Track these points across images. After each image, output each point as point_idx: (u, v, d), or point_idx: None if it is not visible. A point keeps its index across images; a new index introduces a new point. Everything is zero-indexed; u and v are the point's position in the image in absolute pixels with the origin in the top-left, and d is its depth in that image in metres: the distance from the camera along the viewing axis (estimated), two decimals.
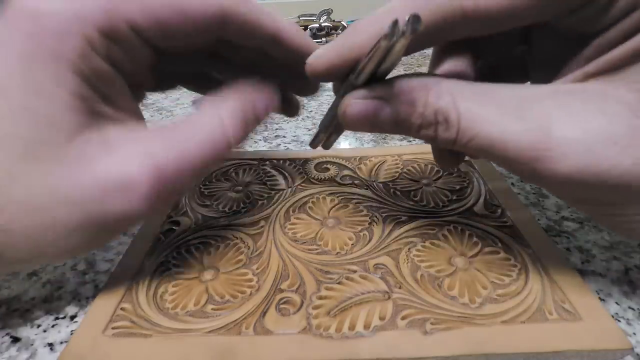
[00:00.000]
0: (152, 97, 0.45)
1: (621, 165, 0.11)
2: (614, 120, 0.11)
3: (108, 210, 0.13)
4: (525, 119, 0.12)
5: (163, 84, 0.19)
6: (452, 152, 0.18)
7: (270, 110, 0.17)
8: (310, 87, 0.20)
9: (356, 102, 0.14)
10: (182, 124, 0.14)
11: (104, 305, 0.16)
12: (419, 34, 0.11)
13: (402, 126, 0.14)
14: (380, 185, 0.24)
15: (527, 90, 0.12)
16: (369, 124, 0.14)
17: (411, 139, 0.33)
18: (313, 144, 0.20)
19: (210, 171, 0.25)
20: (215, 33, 0.15)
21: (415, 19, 0.11)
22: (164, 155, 0.13)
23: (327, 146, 0.21)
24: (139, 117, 0.16)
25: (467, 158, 0.26)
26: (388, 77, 0.14)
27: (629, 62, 0.11)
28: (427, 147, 0.28)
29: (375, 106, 0.14)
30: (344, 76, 0.14)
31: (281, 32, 0.16)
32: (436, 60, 0.17)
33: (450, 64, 0.16)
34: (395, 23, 0.11)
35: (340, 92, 0.15)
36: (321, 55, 0.14)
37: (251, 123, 0.16)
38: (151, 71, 0.16)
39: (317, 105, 0.41)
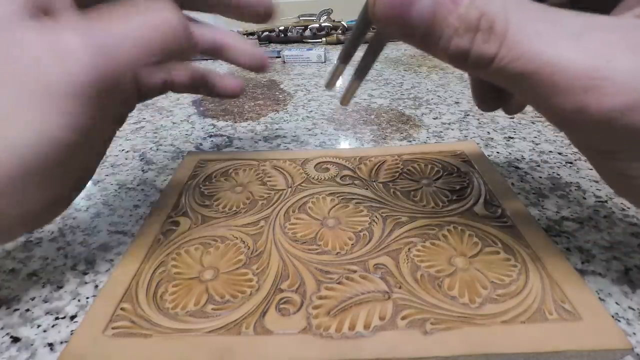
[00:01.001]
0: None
1: None
2: None
3: (47, 79, 0.12)
4: (585, 44, 0.10)
5: None
6: (494, 91, 0.16)
7: None
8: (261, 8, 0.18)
9: None
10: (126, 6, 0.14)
11: (104, 305, 0.16)
12: None
13: (435, 29, 0.11)
14: (380, 185, 0.24)
15: (589, 18, 0.11)
16: (400, 15, 0.12)
17: (411, 139, 0.33)
18: (329, 83, 0.19)
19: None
20: None
21: None
22: (100, 21, 0.13)
23: (345, 100, 0.19)
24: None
25: (467, 158, 0.26)
26: None
27: None
28: (427, 147, 0.28)
29: None
30: None
31: None
32: None
33: None
34: None
35: None
36: None
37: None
38: None
39: (317, 106, 0.41)
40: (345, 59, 0.18)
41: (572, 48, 0.10)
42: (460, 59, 0.12)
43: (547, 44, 0.10)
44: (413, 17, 0.11)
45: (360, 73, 0.18)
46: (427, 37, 0.12)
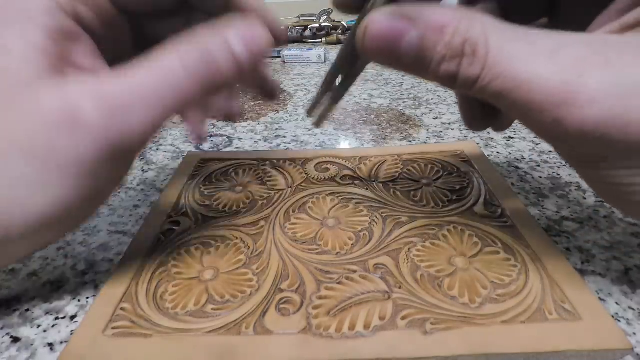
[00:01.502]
0: None
1: None
2: None
3: (57, 147, 0.12)
4: (558, 61, 0.11)
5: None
6: (483, 110, 0.16)
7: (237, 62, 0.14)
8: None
9: (381, 17, 0.12)
10: (141, 63, 0.13)
11: (104, 305, 0.16)
12: None
13: (424, 57, 0.12)
14: (380, 185, 0.24)
15: (563, 36, 0.12)
16: (390, 48, 0.12)
17: (411, 139, 0.33)
18: (311, 113, 0.19)
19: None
20: None
21: None
22: (114, 86, 0.13)
23: (319, 123, 0.19)
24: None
25: (467, 158, 0.26)
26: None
27: None
28: (427, 147, 0.28)
29: (401, 27, 0.12)
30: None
31: None
32: None
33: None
34: None
35: (355, 22, 0.14)
36: None
37: (213, 72, 0.14)
38: (127, 39, 0.16)
39: None
40: (328, 87, 0.18)
41: (546, 66, 0.11)
42: (450, 81, 0.13)
43: (523, 63, 0.11)
44: (402, 48, 0.12)
45: (337, 96, 0.18)
46: (417, 65, 0.13)
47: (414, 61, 0.12)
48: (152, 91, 0.13)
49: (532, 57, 0.11)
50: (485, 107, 0.18)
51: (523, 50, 0.11)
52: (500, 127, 0.20)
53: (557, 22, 0.16)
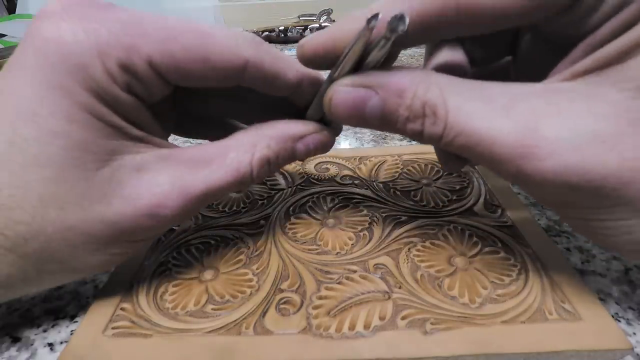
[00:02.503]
0: None
1: (607, 164, 0.11)
2: (601, 120, 0.11)
3: (137, 230, 0.14)
4: (514, 116, 0.12)
5: (185, 127, 0.19)
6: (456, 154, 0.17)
7: (295, 153, 0.17)
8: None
9: (343, 89, 0.13)
10: (212, 152, 0.15)
11: (104, 305, 0.16)
12: (405, 33, 0.11)
13: (389, 119, 0.13)
14: (380, 185, 0.24)
15: (516, 88, 0.12)
16: (355, 114, 0.14)
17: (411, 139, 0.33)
18: None
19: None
20: (236, 81, 0.15)
21: (396, 21, 0.11)
22: (192, 182, 0.14)
23: None
24: (162, 136, 0.16)
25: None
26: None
27: (617, 61, 0.11)
28: (428, 148, 0.28)
29: (363, 95, 0.13)
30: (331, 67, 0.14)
31: (303, 81, 0.16)
32: (429, 56, 0.17)
33: (449, 55, 0.16)
34: (369, 21, 0.11)
35: (322, 87, 0.15)
36: (311, 38, 0.14)
37: (275, 164, 0.16)
38: (173, 105, 0.16)
39: None
40: None
41: (503, 121, 0.12)
42: (417, 137, 0.14)
43: (481, 120, 0.12)
44: (367, 113, 0.13)
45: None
46: (384, 124, 0.14)
47: (380, 122, 0.14)
48: (223, 189, 0.15)
49: (489, 114, 0.12)
50: None
51: (480, 108, 0.12)
52: (475, 164, 0.21)
53: (519, 62, 0.17)
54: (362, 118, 0.14)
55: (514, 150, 0.11)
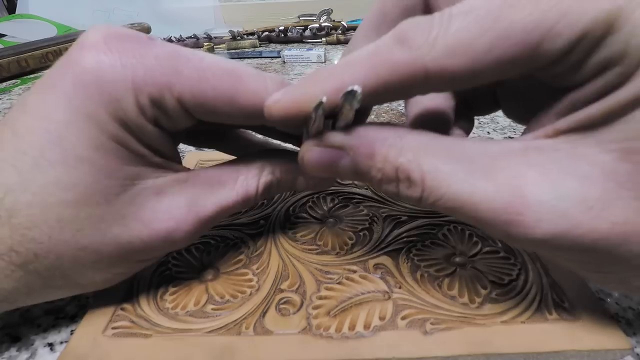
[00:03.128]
0: None
1: (597, 230, 0.10)
2: (588, 183, 0.11)
3: (148, 251, 0.15)
4: (496, 178, 0.11)
5: (195, 138, 0.20)
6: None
7: (297, 182, 0.17)
8: None
9: (314, 149, 0.13)
10: (224, 174, 0.16)
11: (104, 305, 0.16)
12: (369, 98, 0.11)
13: (363, 178, 0.13)
14: None
15: (497, 147, 0.12)
16: (329, 171, 0.14)
17: None
18: None
19: None
20: (260, 122, 0.15)
21: (348, 97, 0.11)
22: (204, 204, 0.15)
23: None
24: (179, 161, 0.17)
25: None
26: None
27: (602, 123, 0.11)
28: None
29: (334, 155, 0.13)
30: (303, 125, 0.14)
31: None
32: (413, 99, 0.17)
33: (432, 101, 0.16)
34: (316, 108, 0.12)
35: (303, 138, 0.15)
36: (277, 100, 0.13)
37: (276, 189, 0.17)
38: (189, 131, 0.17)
39: None
40: None
41: (485, 185, 0.11)
42: (395, 196, 0.13)
43: (461, 183, 0.11)
44: (340, 170, 0.13)
45: None
46: (361, 180, 0.13)
47: (356, 178, 0.13)
48: (231, 209, 0.16)
49: (469, 176, 0.11)
50: None
51: (459, 169, 0.11)
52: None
53: (506, 87, 0.17)
54: (336, 174, 0.14)
55: (500, 217, 0.11)
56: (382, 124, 0.13)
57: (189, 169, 0.16)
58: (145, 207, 0.14)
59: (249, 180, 0.16)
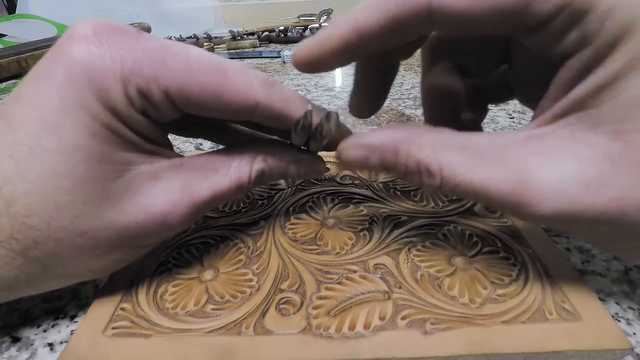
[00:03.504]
0: None
1: (596, 205, 0.12)
2: (585, 164, 0.12)
3: (144, 236, 0.15)
4: (503, 166, 0.13)
5: (184, 128, 0.20)
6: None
7: (293, 172, 0.18)
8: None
9: (350, 147, 0.15)
10: (218, 161, 0.16)
11: (104, 305, 0.16)
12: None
13: (391, 171, 0.15)
14: (380, 185, 0.24)
15: (503, 138, 0.13)
16: (362, 166, 0.16)
17: None
18: None
19: None
20: (245, 118, 0.15)
21: (326, 120, 0.15)
22: (199, 189, 0.15)
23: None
24: (171, 148, 0.17)
25: None
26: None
27: (591, 104, 0.12)
28: None
29: (365, 153, 0.15)
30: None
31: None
32: (425, 77, 0.18)
33: (439, 80, 0.18)
34: (305, 116, 0.15)
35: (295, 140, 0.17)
36: (304, 45, 0.15)
37: (268, 177, 0.17)
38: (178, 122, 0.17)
39: None
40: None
41: (494, 172, 0.13)
42: (419, 185, 0.15)
43: (473, 172, 0.13)
44: (372, 166, 0.15)
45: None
46: (390, 172, 0.16)
47: (384, 170, 0.15)
48: (225, 195, 0.16)
49: (480, 166, 0.13)
50: None
51: (471, 161, 0.13)
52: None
53: (514, 70, 0.18)
54: (369, 168, 0.15)
55: (508, 199, 0.12)
56: (403, 125, 0.16)
57: (182, 156, 0.17)
58: (140, 192, 0.14)
59: (241, 167, 0.16)
